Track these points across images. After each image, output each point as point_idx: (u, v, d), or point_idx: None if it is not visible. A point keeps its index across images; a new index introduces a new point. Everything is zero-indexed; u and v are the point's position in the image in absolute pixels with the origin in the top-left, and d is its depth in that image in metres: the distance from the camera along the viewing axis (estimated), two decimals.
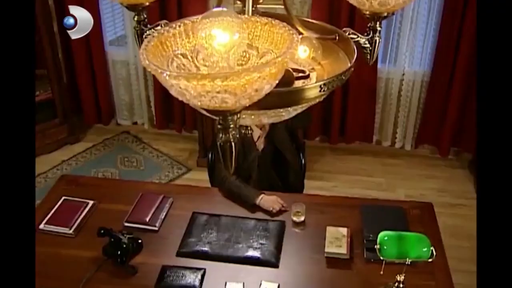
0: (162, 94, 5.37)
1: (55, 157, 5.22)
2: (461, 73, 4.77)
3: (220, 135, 1.09)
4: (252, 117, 1.28)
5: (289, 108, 1.31)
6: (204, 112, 1.04)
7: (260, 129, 3.50)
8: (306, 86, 1.34)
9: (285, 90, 1.26)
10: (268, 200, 3.17)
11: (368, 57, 1.56)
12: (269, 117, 1.31)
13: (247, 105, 0.98)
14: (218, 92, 0.93)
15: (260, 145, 3.53)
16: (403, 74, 5.07)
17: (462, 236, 4.05)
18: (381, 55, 5.02)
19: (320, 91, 1.31)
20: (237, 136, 1.07)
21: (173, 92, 1.02)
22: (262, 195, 3.18)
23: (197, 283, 2.67)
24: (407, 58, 4.98)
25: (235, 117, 1.04)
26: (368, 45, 1.56)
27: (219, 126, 1.07)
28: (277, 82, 1.03)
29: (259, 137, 3.51)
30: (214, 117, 1.04)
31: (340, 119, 5.27)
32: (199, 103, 0.97)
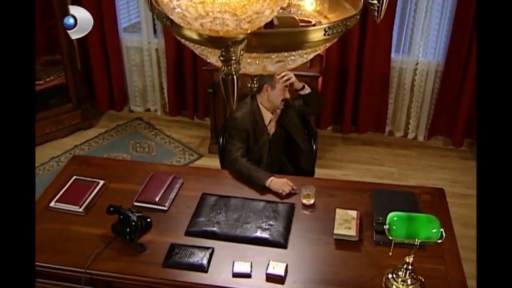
0: (175, 81, 5.39)
1: (68, 141, 5.27)
2: (475, 63, 4.73)
3: (222, 67, 1.08)
4: (257, 62, 1.27)
5: (293, 53, 1.29)
6: (210, 58, 1.03)
7: (272, 113, 3.50)
8: (311, 28, 1.33)
9: (289, 30, 1.25)
10: (278, 182, 3.16)
11: (376, 14, 1.54)
12: (273, 63, 1.29)
13: (249, 30, 0.97)
14: (218, 12, 0.92)
15: (271, 129, 3.53)
16: (417, 64, 5.04)
17: (473, 226, 3.98)
18: (395, 44, 5.00)
19: (324, 34, 1.30)
20: (239, 70, 1.06)
21: (175, 17, 1.02)
22: (272, 177, 3.18)
23: (205, 261, 2.67)
24: (421, 47, 4.95)
25: (237, 48, 1.03)
26: (375, 1, 1.53)
27: (221, 58, 1.06)
28: (278, 8, 1.02)
29: (270, 121, 3.51)
30: (216, 53, 1.03)
31: (352, 108, 5.25)
32: (200, 27, 0.96)
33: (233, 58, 1.04)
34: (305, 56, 1.34)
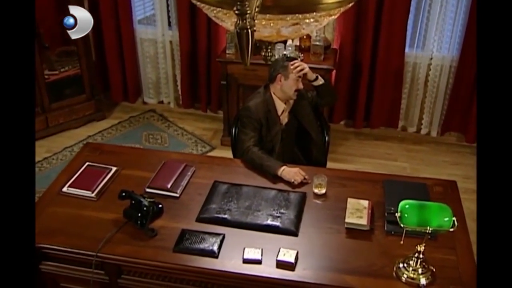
0: (188, 74, 5.41)
1: (81, 132, 5.31)
2: None
3: (237, 22, 1.07)
4: (272, 24, 1.26)
5: (307, 16, 1.29)
6: (225, 21, 1.03)
7: (285, 103, 3.50)
8: None
9: None
10: (290, 172, 3.16)
11: None
12: (287, 26, 1.29)
13: None
14: None
15: (284, 119, 3.52)
16: (431, 59, 5.02)
17: None
18: (409, 39, 4.98)
19: None
20: (254, 25, 1.05)
21: None
22: (284, 167, 3.18)
23: (215, 247, 2.67)
24: (436, 42, 4.93)
25: (253, 2, 1.03)
26: None
27: (236, 12, 1.06)
28: None
29: (283, 111, 3.50)
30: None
31: (365, 103, 5.24)
32: None
33: (248, 12, 1.04)
34: (319, 20, 1.33)
